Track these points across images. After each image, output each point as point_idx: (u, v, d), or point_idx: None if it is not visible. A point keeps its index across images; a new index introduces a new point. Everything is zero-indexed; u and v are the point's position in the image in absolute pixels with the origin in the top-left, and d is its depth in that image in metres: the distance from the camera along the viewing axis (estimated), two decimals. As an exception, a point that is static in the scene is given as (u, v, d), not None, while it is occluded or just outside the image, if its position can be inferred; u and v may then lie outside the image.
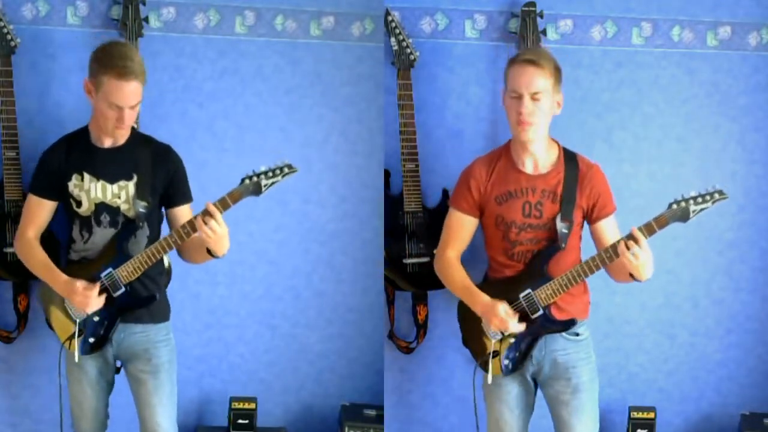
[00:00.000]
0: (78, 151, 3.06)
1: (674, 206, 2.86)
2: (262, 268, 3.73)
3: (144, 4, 3.41)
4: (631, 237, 2.86)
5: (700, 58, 3.62)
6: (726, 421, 3.78)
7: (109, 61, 2.90)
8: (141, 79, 2.92)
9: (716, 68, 3.63)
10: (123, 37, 3.39)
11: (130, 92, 2.91)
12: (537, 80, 2.95)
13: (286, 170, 2.91)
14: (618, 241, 2.88)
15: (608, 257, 2.91)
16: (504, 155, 3.11)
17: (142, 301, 3.07)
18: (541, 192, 3.04)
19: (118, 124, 2.95)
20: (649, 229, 2.86)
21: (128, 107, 2.93)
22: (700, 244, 3.71)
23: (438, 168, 3.56)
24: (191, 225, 2.92)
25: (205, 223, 2.87)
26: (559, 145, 3.11)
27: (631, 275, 2.94)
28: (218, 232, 2.89)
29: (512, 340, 3.06)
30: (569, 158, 3.08)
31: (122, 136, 3.03)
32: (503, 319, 2.99)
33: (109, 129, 2.99)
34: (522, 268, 3.05)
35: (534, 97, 2.95)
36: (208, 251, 2.98)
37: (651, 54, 3.61)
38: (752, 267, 3.73)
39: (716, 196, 2.86)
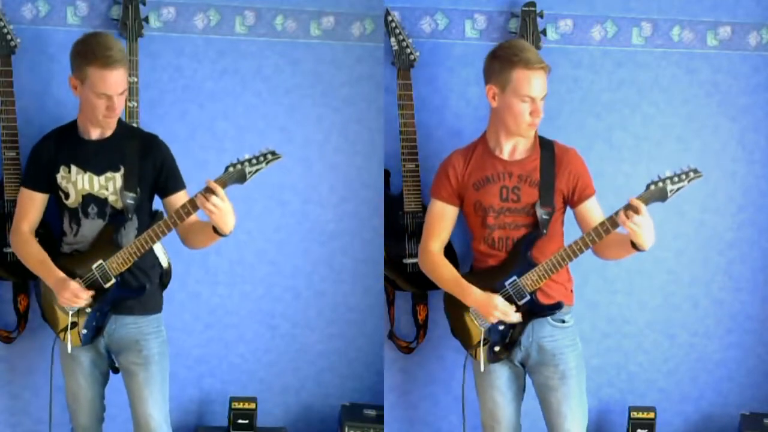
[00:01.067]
0: (66, 144, 3.08)
1: (652, 187, 2.88)
2: (262, 268, 3.73)
3: (144, 4, 3.42)
4: (629, 207, 2.85)
5: (700, 58, 3.62)
6: (726, 421, 3.78)
7: (91, 53, 2.93)
8: (125, 66, 2.97)
9: (716, 68, 3.63)
10: (123, 37, 3.39)
11: (116, 80, 2.94)
12: (546, 83, 3.02)
13: (269, 157, 2.89)
14: (616, 213, 2.87)
15: (605, 230, 2.91)
16: (480, 144, 3.17)
17: (133, 291, 3.07)
18: (518, 177, 3.08)
19: (107, 113, 2.99)
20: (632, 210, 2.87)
21: (116, 95, 2.96)
22: (700, 244, 3.71)
23: (438, 168, 3.56)
24: (192, 204, 2.91)
25: (208, 200, 2.86)
26: (535, 132, 3.13)
27: (634, 246, 2.92)
28: (222, 208, 2.87)
29: (501, 327, 3.09)
30: (545, 144, 3.12)
31: (112, 125, 3.05)
32: (504, 311, 3.01)
33: (99, 119, 3.02)
34: (505, 257, 3.08)
35: (543, 99, 3.02)
36: (215, 231, 2.95)
37: (651, 54, 3.61)
38: (752, 267, 3.73)
39: (691, 174, 2.87)
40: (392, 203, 3.53)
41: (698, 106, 3.64)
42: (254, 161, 2.88)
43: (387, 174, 3.57)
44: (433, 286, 3.32)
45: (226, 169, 2.90)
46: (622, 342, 3.74)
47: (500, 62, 3.03)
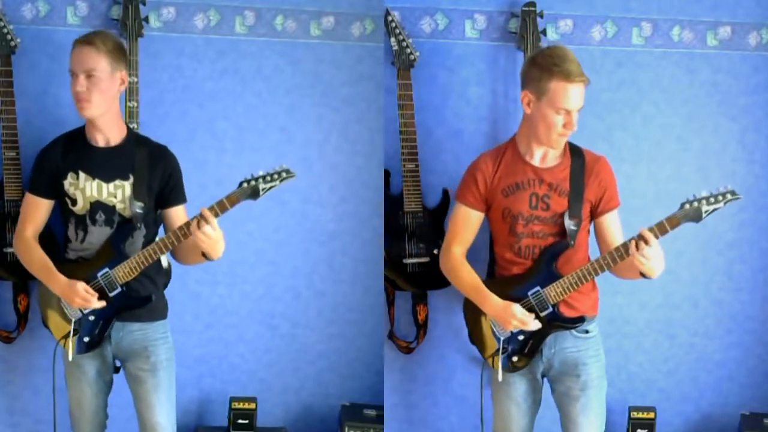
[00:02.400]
0: (74, 150, 3.07)
1: (686, 206, 2.85)
2: (262, 268, 3.73)
3: (144, 4, 3.42)
4: (641, 237, 2.83)
5: (700, 58, 3.62)
6: (726, 421, 3.78)
7: (76, 40, 2.99)
8: (99, 48, 2.96)
9: (716, 68, 3.63)
10: (123, 37, 3.39)
11: (83, 56, 2.95)
12: (584, 95, 2.94)
13: (284, 175, 2.91)
14: (629, 241, 2.86)
15: (619, 256, 2.89)
16: (510, 148, 3.10)
17: (138, 301, 3.07)
18: (548, 185, 3.03)
19: (73, 90, 2.97)
20: (661, 229, 2.84)
21: (82, 72, 2.95)
22: (700, 244, 3.71)
23: (438, 168, 3.56)
24: (187, 227, 2.93)
25: (199, 228, 2.88)
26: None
27: (641, 273, 2.92)
28: (212, 237, 2.90)
29: (521, 337, 3.06)
30: (575, 152, 3.07)
31: (87, 111, 2.99)
32: (523, 320, 2.98)
33: (75, 102, 3.00)
34: (530, 265, 3.04)
35: (578, 111, 2.95)
36: (203, 254, 2.99)
37: (651, 54, 3.61)
38: (752, 267, 3.73)
39: (728, 196, 2.84)
40: (392, 203, 3.53)
41: (698, 106, 3.64)
42: (268, 178, 2.90)
43: (387, 174, 3.57)
44: (433, 286, 3.32)
45: (240, 184, 2.90)
46: (622, 342, 3.74)
47: (539, 70, 2.93)
